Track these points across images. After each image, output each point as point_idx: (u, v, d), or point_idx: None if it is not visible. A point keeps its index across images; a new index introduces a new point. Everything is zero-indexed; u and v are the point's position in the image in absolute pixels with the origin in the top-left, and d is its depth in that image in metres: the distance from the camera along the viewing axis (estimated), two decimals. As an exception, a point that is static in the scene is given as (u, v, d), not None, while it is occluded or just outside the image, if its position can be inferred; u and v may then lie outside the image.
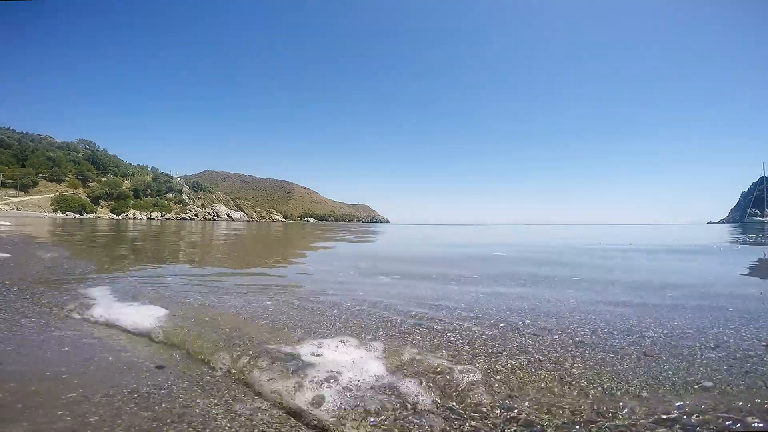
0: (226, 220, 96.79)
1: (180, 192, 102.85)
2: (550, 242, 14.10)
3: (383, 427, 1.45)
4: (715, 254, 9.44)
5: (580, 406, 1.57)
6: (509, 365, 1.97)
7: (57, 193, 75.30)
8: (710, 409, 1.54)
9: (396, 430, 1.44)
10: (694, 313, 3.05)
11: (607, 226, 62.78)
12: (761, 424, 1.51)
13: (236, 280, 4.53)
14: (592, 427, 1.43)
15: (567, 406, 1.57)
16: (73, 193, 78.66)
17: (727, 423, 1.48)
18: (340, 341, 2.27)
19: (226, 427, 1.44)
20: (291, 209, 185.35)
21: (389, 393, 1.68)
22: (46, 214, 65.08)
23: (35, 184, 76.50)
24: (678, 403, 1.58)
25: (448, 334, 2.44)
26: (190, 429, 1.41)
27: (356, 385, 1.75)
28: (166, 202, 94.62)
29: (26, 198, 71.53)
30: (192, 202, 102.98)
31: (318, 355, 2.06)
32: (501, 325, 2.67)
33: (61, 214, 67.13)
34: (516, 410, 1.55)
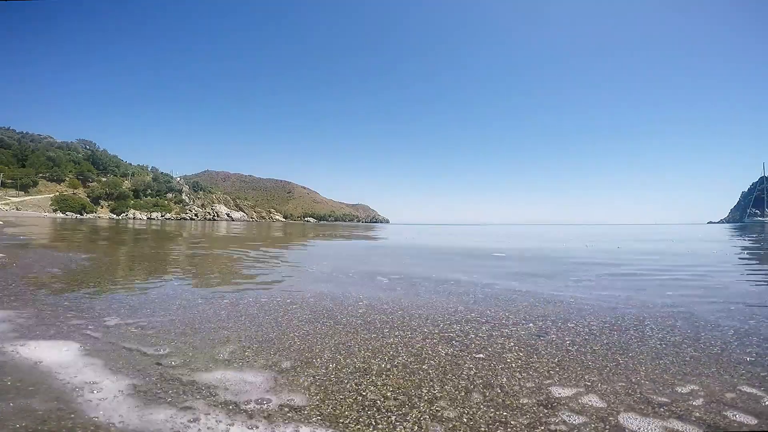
0: (226, 220, 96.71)
1: (180, 192, 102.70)
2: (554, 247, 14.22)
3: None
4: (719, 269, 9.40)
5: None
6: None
7: (57, 193, 75.20)
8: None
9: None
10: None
11: (609, 227, 63.12)
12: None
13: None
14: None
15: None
16: (73, 193, 78.57)
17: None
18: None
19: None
20: (291, 209, 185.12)
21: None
22: (46, 214, 65.00)
23: (35, 184, 76.42)
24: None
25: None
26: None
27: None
28: (166, 202, 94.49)
29: (26, 198, 71.43)
30: (192, 202, 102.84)
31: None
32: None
33: (61, 214, 67.05)
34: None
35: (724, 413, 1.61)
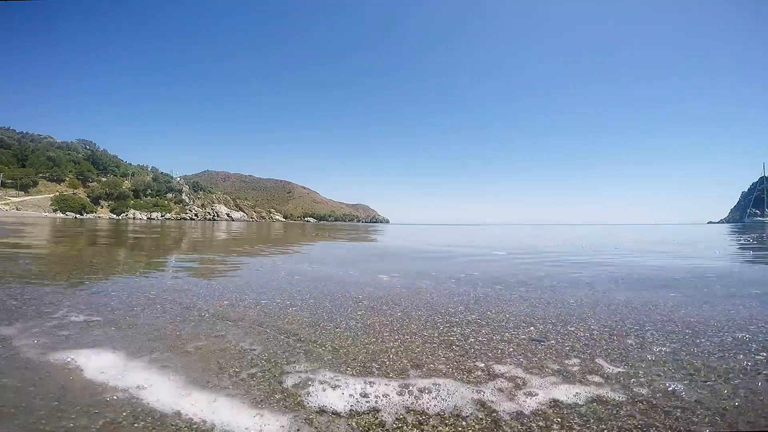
0: (226, 220, 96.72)
1: (180, 192, 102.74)
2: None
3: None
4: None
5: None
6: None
7: (57, 193, 75.24)
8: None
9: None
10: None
11: (609, 227, 63.06)
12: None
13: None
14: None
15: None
16: (73, 193, 78.60)
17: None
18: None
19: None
20: (291, 209, 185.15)
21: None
22: (46, 214, 65.02)
23: (35, 184, 76.45)
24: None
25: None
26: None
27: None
28: (166, 202, 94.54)
29: (26, 198, 71.46)
30: (192, 202, 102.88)
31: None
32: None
33: (61, 214, 67.07)
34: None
35: (719, 417, 1.62)
